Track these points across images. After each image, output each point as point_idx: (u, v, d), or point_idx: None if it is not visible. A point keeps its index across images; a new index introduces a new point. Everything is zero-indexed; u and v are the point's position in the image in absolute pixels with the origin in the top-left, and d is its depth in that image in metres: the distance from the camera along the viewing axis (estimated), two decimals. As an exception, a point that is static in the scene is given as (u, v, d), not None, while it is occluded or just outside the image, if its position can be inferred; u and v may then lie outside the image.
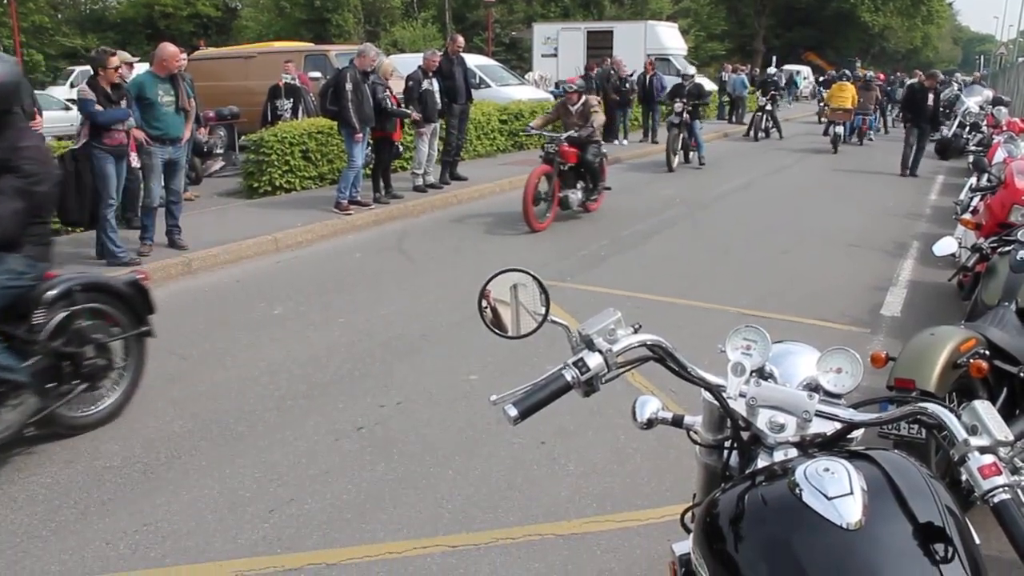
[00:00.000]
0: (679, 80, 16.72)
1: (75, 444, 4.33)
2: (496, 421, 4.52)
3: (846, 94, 19.20)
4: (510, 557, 3.35)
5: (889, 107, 25.53)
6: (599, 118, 10.21)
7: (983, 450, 1.38)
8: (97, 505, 3.76)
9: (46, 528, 3.57)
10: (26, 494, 3.85)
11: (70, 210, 7.54)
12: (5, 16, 32.86)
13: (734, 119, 24.65)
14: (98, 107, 7.25)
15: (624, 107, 18.22)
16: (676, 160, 15.17)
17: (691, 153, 15.92)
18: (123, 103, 7.49)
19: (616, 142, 17.85)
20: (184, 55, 10.61)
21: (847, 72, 25.24)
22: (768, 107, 21.39)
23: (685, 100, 15.21)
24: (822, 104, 23.79)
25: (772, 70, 24.91)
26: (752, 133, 21.18)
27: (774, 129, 21.62)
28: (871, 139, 21.37)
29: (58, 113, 19.72)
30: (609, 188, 10.96)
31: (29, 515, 3.67)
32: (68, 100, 21.47)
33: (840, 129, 19.04)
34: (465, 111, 12.59)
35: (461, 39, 12.89)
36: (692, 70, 16.44)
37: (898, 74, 32.86)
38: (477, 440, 4.39)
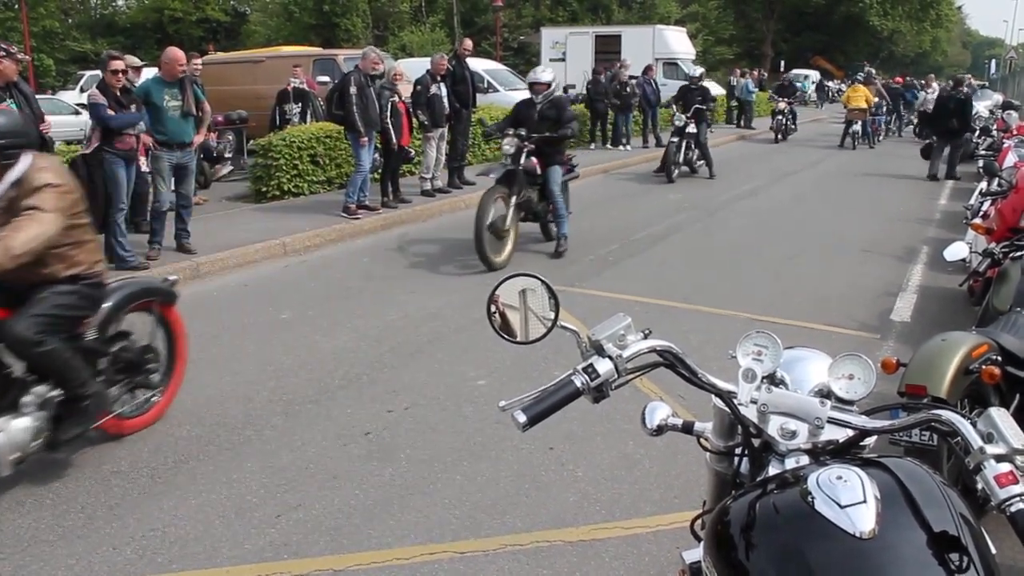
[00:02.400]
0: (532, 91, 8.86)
1: (82, 449, 4.33)
2: (504, 426, 4.50)
3: (860, 95, 20.07)
4: (518, 564, 3.33)
5: (904, 112, 25.62)
6: (38, 222, 3.68)
7: (999, 458, 1.35)
8: (104, 510, 3.75)
9: (53, 533, 3.57)
10: (33, 499, 3.85)
11: None
12: (16, 21, 33.04)
13: (742, 123, 24.62)
14: (109, 111, 7.27)
15: (626, 112, 18.13)
16: (509, 246, 8.23)
17: (550, 224, 9.04)
18: (133, 107, 7.51)
19: (622, 148, 17.85)
20: (199, 60, 10.67)
21: (859, 76, 25.12)
22: (692, 130, 14.47)
23: (523, 132, 8.33)
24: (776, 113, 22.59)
25: (698, 70, 16.74)
26: (666, 169, 14.27)
27: (701, 163, 14.91)
28: (880, 139, 21.73)
29: (68, 118, 19.83)
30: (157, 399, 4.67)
31: (36, 520, 3.67)
32: (78, 104, 21.60)
33: (858, 127, 20.15)
34: (470, 117, 12.61)
35: (469, 42, 12.93)
36: (547, 76, 8.75)
37: (908, 78, 32.78)
38: (485, 445, 4.37)
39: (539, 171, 8.47)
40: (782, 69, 42.22)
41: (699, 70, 16.38)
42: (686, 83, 16.08)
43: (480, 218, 7.87)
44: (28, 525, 3.62)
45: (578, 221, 10.49)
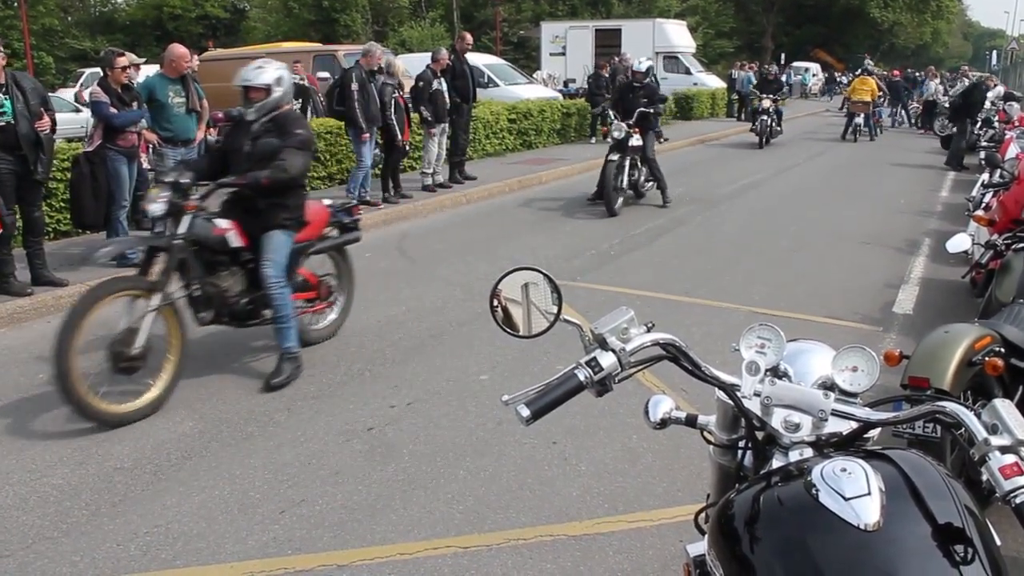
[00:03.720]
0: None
1: (85, 445, 4.33)
2: (507, 421, 4.50)
3: (866, 87, 20.04)
4: (522, 558, 3.34)
5: (911, 103, 25.83)
6: None
7: (1004, 450, 1.35)
8: (108, 506, 3.76)
9: (57, 530, 3.57)
10: (37, 495, 3.85)
11: (87, 213, 7.48)
12: (15, 19, 33.02)
13: (743, 117, 24.60)
14: (112, 109, 7.27)
15: None
16: (156, 389, 4.73)
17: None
18: (135, 104, 7.51)
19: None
20: (196, 57, 10.67)
21: (867, 68, 25.15)
22: (636, 142, 10.75)
23: (186, 179, 4.95)
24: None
25: (643, 63, 11.74)
26: (604, 197, 10.64)
27: (650, 184, 11.37)
28: (880, 132, 21.77)
29: (68, 115, 19.80)
30: None
31: (40, 516, 3.67)
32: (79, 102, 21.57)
33: (860, 120, 20.05)
34: (470, 111, 12.60)
35: (469, 36, 12.91)
36: (266, 76, 5.17)
37: (908, 70, 32.81)
38: (488, 440, 4.37)
39: (238, 243, 5.13)
40: (782, 62, 42.21)
41: (645, 63, 11.74)
42: (626, 80, 12.47)
43: (66, 334, 4.34)
44: (32, 522, 3.63)
45: (580, 215, 10.49)
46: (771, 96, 18.85)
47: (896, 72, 29.63)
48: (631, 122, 10.78)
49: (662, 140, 12.50)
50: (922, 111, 23.47)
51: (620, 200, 10.70)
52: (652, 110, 11.07)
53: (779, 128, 19.62)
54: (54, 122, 6.76)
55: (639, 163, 11.15)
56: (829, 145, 19.52)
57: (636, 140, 10.76)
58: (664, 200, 11.21)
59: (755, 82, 24.24)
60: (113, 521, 3.63)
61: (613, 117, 11.02)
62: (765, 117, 18.65)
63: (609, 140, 10.89)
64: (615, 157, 10.57)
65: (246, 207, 5.14)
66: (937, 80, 23.56)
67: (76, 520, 3.65)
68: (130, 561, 3.34)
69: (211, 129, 11.35)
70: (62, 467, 4.12)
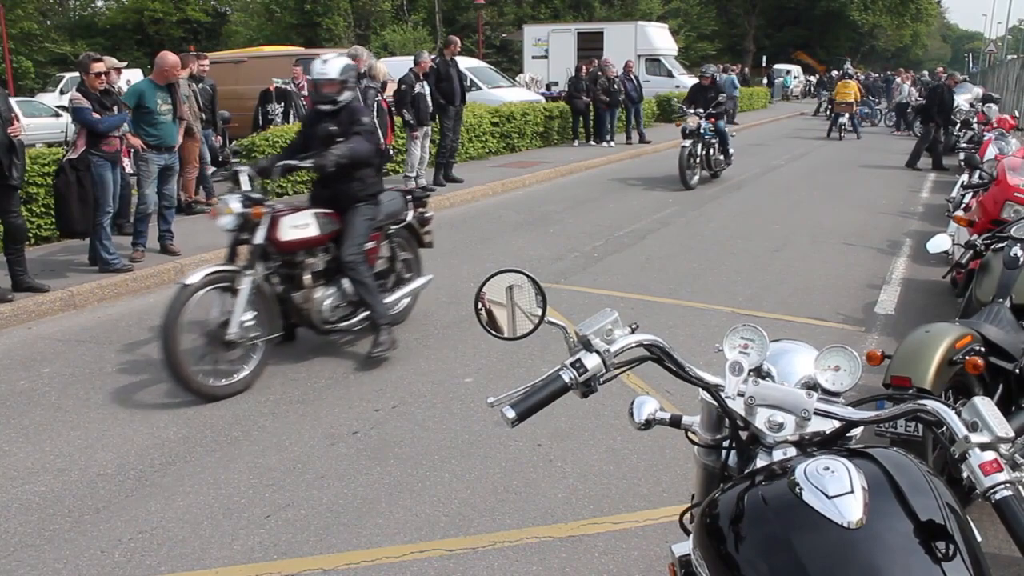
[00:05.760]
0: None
1: (68, 452, 4.30)
2: (492, 423, 4.51)
3: (849, 89, 21.10)
4: (508, 560, 3.34)
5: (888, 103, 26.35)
6: None
7: (984, 447, 1.37)
8: (91, 513, 3.73)
9: (40, 537, 3.54)
10: (19, 503, 3.82)
11: (75, 220, 7.27)
12: (-6, 23, 32.76)
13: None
14: (95, 115, 7.21)
15: (613, 108, 18.21)
16: None
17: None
18: (115, 109, 7.46)
19: (605, 144, 17.91)
20: (206, 61, 10.71)
21: (847, 71, 25.55)
22: (298, 232, 5.27)
23: None
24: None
25: (327, 62, 5.44)
26: (177, 371, 4.73)
27: (361, 314, 5.60)
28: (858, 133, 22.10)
29: (48, 120, 19.68)
30: None
31: (22, 524, 3.65)
32: (58, 107, 21.44)
33: (845, 119, 21.06)
34: (459, 113, 12.61)
35: (458, 41, 12.93)
36: None
37: (889, 73, 33.13)
38: (473, 443, 4.37)
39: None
40: (764, 63, 42.46)
41: (334, 62, 5.50)
42: (318, 105, 5.65)
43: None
44: (15, 530, 3.60)
45: (564, 217, 10.52)
46: (699, 112, 12.71)
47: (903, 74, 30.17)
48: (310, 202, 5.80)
49: (426, 215, 6.45)
50: (896, 113, 23.84)
51: (247, 369, 5.08)
52: (321, 161, 5.31)
53: (724, 159, 13.74)
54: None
55: (308, 280, 5.39)
56: (812, 145, 19.67)
57: (300, 227, 5.39)
58: (375, 346, 5.50)
59: (738, 84, 24.54)
60: (96, 528, 3.61)
61: (249, 179, 5.60)
62: (687, 143, 12.48)
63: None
64: (225, 280, 5.20)
65: None
66: (909, 83, 23.91)
67: (59, 527, 3.62)
68: (114, 568, 3.32)
69: (217, 136, 11.37)
70: (44, 474, 4.09)
